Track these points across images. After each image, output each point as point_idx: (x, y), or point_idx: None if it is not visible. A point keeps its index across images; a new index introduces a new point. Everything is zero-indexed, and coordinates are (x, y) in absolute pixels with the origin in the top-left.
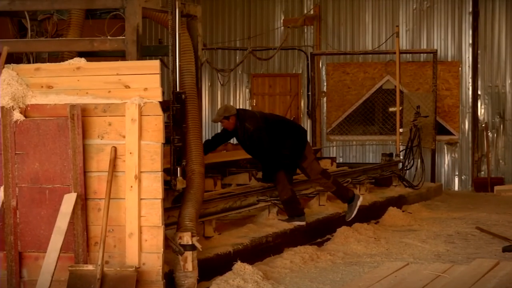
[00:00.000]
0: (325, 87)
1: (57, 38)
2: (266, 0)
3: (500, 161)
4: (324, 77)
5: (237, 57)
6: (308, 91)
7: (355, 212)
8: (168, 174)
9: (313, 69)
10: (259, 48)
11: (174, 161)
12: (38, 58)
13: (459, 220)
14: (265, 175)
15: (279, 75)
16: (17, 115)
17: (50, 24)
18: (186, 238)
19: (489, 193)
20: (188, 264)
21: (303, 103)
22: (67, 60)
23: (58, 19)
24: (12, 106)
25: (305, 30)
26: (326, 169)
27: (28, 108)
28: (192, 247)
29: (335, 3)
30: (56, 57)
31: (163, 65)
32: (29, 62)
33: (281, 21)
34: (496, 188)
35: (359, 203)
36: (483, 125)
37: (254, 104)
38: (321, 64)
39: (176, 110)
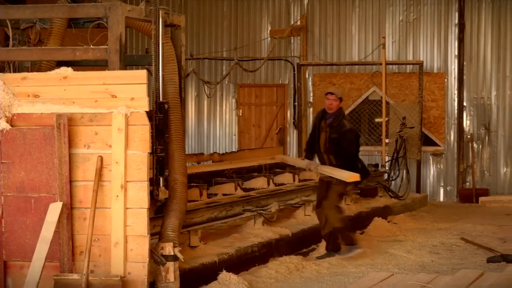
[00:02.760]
0: (312, 97)
1: (39, 47)
2: (253, 10)
3: (485, 172)
4: (311, 88)
5: (224, 67)
6: (294, 101)
7: (346, 255)
8: (151, 184)
9: (300, 80)
10: (245, 58)
11: (157, 171)
12: (20, 67)
13: (444, 230)
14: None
15: (266, 86)
16: (3, 124)
17: (33, 33)
18: (168, 248)
19: (474, 204)
20: (170, 274)
21: (289, 114)
22: (45, 69)
23: (41, 28)
24: None
25: (292, 41)
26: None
27: (15, 117)
28: (174, 258)
29: (322, 14)
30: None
31: (149, 74)
32: (12, 71)
33: (268, 31)
34: (481, 199)
35: (356, 252)
36: (469, 136)
37: (240, 114)
38: (308, 75)
39: (159, 120)
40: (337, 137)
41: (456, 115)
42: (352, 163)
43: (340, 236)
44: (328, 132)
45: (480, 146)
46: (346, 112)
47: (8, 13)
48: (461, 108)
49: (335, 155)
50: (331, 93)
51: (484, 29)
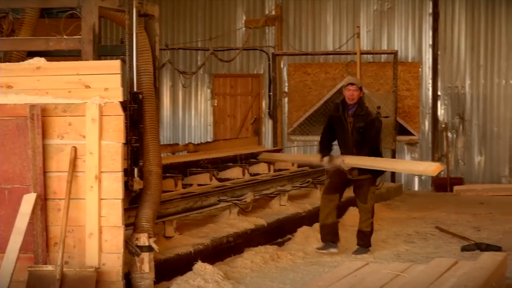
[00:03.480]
0: (287, 87)
1: (11, 37)
2: (228, 1)
3: (460, 161)
4: (286, 78)
5: (199, 57)
6: (269, 91)
7: (359, 255)
8: (125, 174)
9: (275, 70)
10: (220, 48)
11: (131, 162)
12: None
13: (418, 220)
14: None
15: (241, 76)
16: None
17: (5, 23)
18: (143, 239)
19: (449, 193)
20: (145, 265)
21: (264, 104)
22: (15, 59)
23: (13, 18)
24: None
25: (267, 31)
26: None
27: None
28: (149, 248)
29: (297, 4)
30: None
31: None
32: None
33: (243, 21)
34: (456, 188)
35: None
36: (443, 126)
37: (215, 104)
38: (283, 65)
39: (133, 110)
40: (364, 126)
41: (430, 105)
42: (376, 153)
43: (363, 237)
44: (352, 122)
45: (455, 135)
46: (321, 101)
47: None
48: (435, 97)
49: (359, 146)
50: (352, 84)
51: (458, 19)
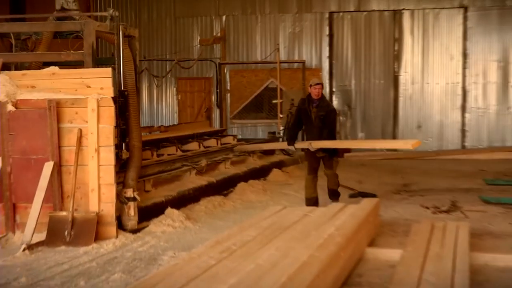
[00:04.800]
0: (229, 86)
1: (34, 52)
2: (187, 26)
3: (348, 136)
4: (228, 80)
5: (167, 66)
6: (217, 89)
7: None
8: (116, 148)
9: (220, 74)
10: (182, 59)
11: (120, 139)
12: (21, 66)
13: (319, 177)
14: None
15: (197, 78)
16: (10, 107)
17: (30, 42)
18: (129, 192)
19: (341, 158)
20: (131, 210)
21: (213, 98)
22: (34, 68)
23: (35, 38)
24: (7, 101)
25: (215, 47)
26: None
27: (18, 102)
28: (134, 199)
29: (235, 28)
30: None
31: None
32: (15, 70)
33: (198, 40)
34: (345, 154)
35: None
36: (337, 112)
37: (179, 98)
38: (226, 71)
39: (121, 102)
40: (324, 114)
41: (328, 97)
42: (333, 135)
43: (334, 193)
44: (316, 112)
45: (344, 119)
46: (252, 96)
47: (12, 28)
48: (331, 92)
49: (320, 130)
50: (318, 84)
51: (346, 38)
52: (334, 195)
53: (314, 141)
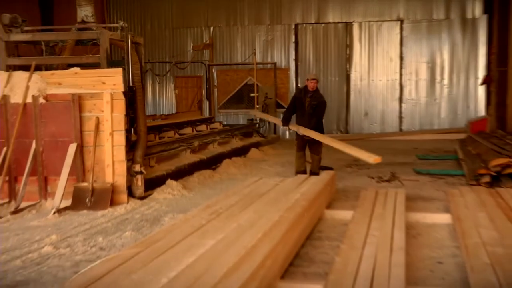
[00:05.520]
0: (216, 83)
1: (61, 56)
2: (183, 34)
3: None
4: (215, 78)
5: (167, 67)
6: (206, 85)
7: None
8: (126, 132)
9: (209, 73)
10: (179, 61)
11: (130, 125)
12: (50, 67)
13: (288, 155)
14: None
15: (191, 77)
16: (41, 100)
17: (57, 48)
18: (137, 167)
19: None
20: (139, 181)
21: (204, 92)
22: (60, 68)
23: (61, 45)
24: (39, 95)
25: (204, 52)
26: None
27: (48, 96)
28: (141, 173)
29: (221, 37)
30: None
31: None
32: (45, 70)
33: (191, 46)
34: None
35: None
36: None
37: (177, 93)
38: (214, 71)
39: (130, 96)
40: (316, 104)
41: (294, 92)
42: (320, 123)
43: (319, 170)
44: (309, 101)
45: None
46: (235, 91)
47: (42, 37)
48: (296, 87)
49: (310, 116)
50: (314, 78)
51: (308, 44)
52: (316, 173)
53: (302, 127)
